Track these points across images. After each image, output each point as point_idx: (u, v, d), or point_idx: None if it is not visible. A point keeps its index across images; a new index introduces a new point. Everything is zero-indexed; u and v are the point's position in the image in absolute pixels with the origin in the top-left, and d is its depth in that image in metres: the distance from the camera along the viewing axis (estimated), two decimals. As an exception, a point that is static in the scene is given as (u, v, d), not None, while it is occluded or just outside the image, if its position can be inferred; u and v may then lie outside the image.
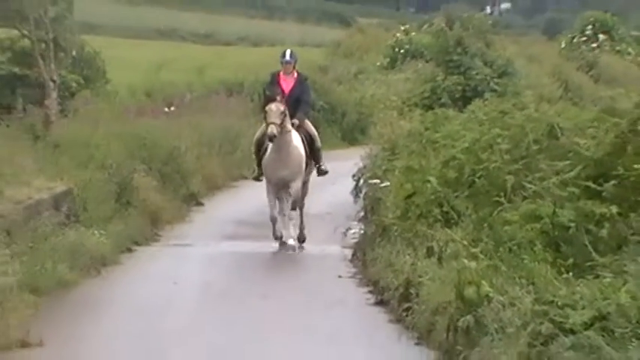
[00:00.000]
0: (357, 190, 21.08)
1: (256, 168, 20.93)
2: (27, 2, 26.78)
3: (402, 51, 46.04)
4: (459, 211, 16.09)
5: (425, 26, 48.91)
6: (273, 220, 20.29)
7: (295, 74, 20.98)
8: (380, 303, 15.86)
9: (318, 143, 21.06)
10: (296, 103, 20.51)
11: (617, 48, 56.91)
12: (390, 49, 46.50)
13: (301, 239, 20.96)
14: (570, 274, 12.59)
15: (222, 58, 44.89)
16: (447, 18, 42.06)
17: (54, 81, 27.12)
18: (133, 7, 69.72)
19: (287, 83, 20.67)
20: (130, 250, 20.05)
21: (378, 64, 46.43)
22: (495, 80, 36.17)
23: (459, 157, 16.93)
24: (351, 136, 37.42)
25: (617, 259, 13.05)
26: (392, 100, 35.18)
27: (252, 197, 27.13)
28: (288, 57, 21.02)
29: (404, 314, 14.64)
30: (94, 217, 19.58)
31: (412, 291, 14.75)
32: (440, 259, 14.75)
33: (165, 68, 36.54)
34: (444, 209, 16.33)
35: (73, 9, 29.57)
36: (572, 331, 10.98)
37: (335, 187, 23.96)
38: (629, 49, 58.40)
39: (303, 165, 20.46)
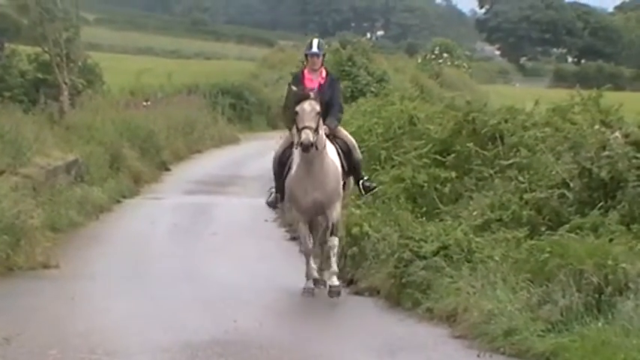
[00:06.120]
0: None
1: (273, 192, 12.03)
2: (47, 28, 26.58)
3: (309, 64, 45.98)
4: (348, 175, 16.14)
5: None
6: (307, 254, 11.73)
7: (324, 72, 12.07)
8: (294, 239, 15.83)
9: (358, 154, 12.10)
10: (325, 108, 11.65)
11: (456, 63, 57.30)
12: (301, 63, 46.43)
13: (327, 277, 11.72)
14: (424, 218, 12.72)
15: (184, 68, 44.46)
16: (341, 41, 42.13)
17: (66, 83, 26.80)
18: (122, 32, 69.03)
19: (314, 84, 11.87)
20: (119, 201, 19.89)
21: (293, 73, 46.36)
22: (374, 85, 36.14)
23: (348, 138, 16.96)
24: (274, 122, 37.13)
25: (455, 208, 13.20)
26: (302, 98, 35.02)
27: (206, 165, 27.08)
28: (315, 47, 12.03)
29: (310, 246, 14.65)
30: (94, 178, 19.41)
31: (316, 230, 14.76)
32: (335, 208, 14.78)
33: (144, 75, 36.19)
34: (338, 173, 16.35)
35: (80, 33, 29.29)
36: (425, 257, 11.08)
37: (264, 157, 23.89)
38: (464, 64, 58.87)
39: (341, 184, 11.72)
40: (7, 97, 25.42)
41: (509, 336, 9.31)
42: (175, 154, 27.55)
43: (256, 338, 9.82)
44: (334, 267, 11.49)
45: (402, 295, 11.09)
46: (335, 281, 11.44)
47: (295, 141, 11.39)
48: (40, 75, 28.38)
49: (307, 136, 11.05)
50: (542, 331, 9.19)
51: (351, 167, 11.89)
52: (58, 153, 18.22)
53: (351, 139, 12.07)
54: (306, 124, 11.16)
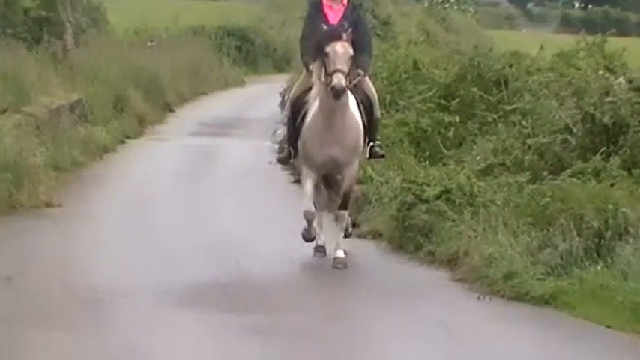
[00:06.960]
0: (282, 103, 20.51)
1: (285, 146, 10.74)
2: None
3: (315, 6, 45.78)
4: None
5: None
6: (308, 217, 10.38)
7: (345, 1, 10.38)
8: (297, 181, 15.84)
9: (378, 111, 10.67)
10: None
11: (462, 8, 56.98)
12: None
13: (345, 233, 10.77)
14: (427, 162, 12.76)
15: (190, 9, 44.23)
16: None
17: (70, 21, 26.60)
18: (126, -28, 68.61)
19: (334, 14, 10.27)
20: (123, 142, 19.84)
21: (299, 15, 46.12)
22: (380, 28, 36.01)
23: (353, 81, 16.92)
24: (280, 65, 37.12)
25: (458, 152, 13.24)
26: (307, 41, 34.87)
27: (210, 107, 27.06)
28: None
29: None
30: (98, 118, 19.37)
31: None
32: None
33: (149, 16, 36.02)
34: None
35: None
36: (427, 201, 11.12)
37: (269, 100, 23.93)
38: (470, 9, 58.55)
39: (362, 142, 10.33)
40: (9, 34, 25.34)
41: (508, 279, 9.42)
42: (180, 96, 27.50)
43: (259, 281, 9.91)
44: (341, 243, 10.45)
45: (404, 238, 11.16)
46: (340, 253, 10.35)
47: (320, 84, 9.92)
48: (43, 12, 28.27)
49: (340, 80, 9.61)
50: (542, 274, 9.30)
51: (369, 124, 10.36)
52: (61, 92, 18.21)
53: (374, 93, 10.57)
54: (339, 67, 9.70)
